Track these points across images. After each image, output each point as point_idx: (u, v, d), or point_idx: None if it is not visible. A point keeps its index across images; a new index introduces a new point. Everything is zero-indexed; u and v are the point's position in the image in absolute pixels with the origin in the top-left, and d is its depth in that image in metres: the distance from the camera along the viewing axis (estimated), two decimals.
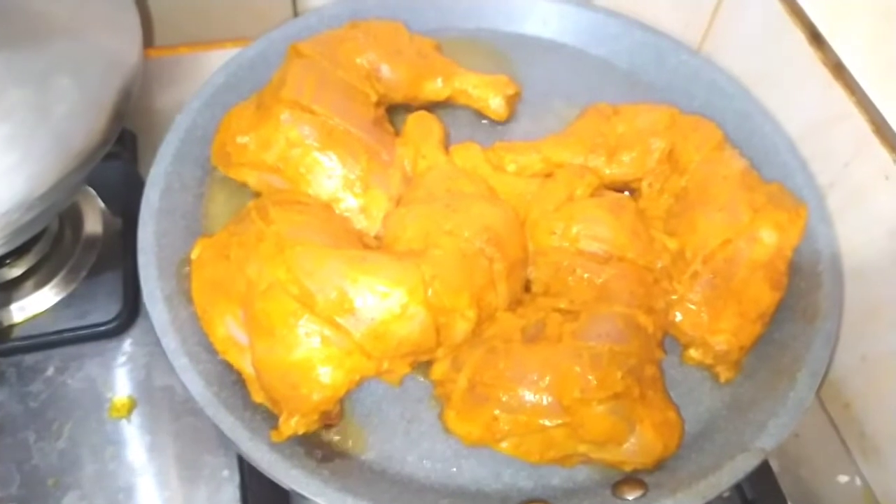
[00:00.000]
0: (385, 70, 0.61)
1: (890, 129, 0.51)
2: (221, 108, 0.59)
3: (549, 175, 0.58)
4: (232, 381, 0.48)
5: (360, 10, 0.67)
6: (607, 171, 0.58)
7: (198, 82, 0.61)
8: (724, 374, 0.52)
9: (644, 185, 0.59)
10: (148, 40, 0.71)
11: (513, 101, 0.64)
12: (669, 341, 0.52)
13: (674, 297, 0.52)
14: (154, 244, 0.52)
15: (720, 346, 0.51)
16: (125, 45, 0.51)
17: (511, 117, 0.65)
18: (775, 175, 0.58)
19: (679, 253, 0.53)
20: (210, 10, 0.73)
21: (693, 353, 0.52)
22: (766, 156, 0.60)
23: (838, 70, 0.56)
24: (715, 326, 0.51)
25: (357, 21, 0.64)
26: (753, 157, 0.58)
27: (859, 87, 0.53)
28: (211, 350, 0.48)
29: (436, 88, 0.63)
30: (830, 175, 0.58)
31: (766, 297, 0.52)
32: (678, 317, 0.52)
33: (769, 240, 0.53)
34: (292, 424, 0.45)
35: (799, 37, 0.59)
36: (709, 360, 0.52)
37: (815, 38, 0.58)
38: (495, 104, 0.63)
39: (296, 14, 0.74)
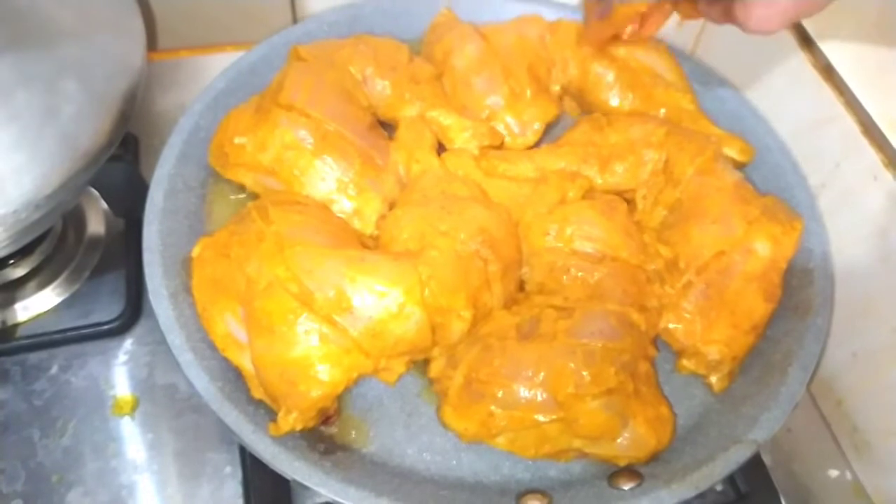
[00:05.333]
0: (372, 84, 0.61)
1: (878, 130, 0.52)
2: (223, 111, 0.59)
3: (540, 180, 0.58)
4: (235, 376, 0.48)
5: (359, 15, 0.68)
6: (599, 181, 0.58)
7: (198, 86, 0.62)
8: (717, 384, 0.52)
9: (638, 196, 0.59)
10: (150, 44, 0.72)
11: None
12: None
13: (669, 291, 0.52)
14: (159, 243, 0.52)
15: (713, 356, 0.51)
16: (130, 49, 0.51)
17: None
18: (767, 175, 0.59)
19: (673, 262, 0.53)
20: (211, 15, 0.73)
21: (686, 362, 0.52)
22: (758, 157, 0.61)
23: (828, 72, 0.57)
24: (708, 336, 0.51)
25: (366, 35, 0.64)
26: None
27: (848, 89, 0.54)
28: (214, 346, 0.49)
29: (410, 115, 0.61)
30: (822, 175, 0.59)
31: (759, 309, 0.52)
32: (671, 325, 0.52)
33: (763, 252, 0.53)
34: (290, 421, 0.45)
35: (789, 40, 0.60)
36: (702, 370, 0.52)
37: (806, 41, 0.59)
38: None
39: (295, 20, 0.75)
